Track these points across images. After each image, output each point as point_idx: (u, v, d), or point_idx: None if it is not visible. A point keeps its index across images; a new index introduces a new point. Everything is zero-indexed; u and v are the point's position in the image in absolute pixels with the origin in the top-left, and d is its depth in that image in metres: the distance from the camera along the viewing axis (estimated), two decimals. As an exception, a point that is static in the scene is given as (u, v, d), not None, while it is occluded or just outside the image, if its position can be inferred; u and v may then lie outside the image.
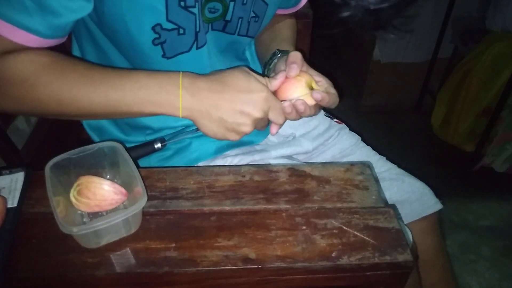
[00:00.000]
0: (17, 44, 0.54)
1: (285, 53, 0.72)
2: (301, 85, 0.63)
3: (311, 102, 0.64)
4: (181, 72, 0.58)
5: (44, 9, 0.52)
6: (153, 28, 0.60)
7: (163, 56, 0.64)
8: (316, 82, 0.66)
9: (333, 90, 0.66)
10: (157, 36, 0.61)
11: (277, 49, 0.74)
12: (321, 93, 0.63)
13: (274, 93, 0.64)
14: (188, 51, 0.65)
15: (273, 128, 0.65)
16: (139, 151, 0.68)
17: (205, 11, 0.65)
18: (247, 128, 0.59)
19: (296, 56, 0.64)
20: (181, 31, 0.62)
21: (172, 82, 0.57)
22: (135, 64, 0.67)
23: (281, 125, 0.64)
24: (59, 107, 0.57)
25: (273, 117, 0.61)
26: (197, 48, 0.66)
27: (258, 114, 0.59)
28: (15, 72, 0.54)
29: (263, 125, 0.62)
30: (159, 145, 0.68)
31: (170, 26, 0.61)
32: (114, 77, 0.57)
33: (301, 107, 0.62)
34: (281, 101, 0.63)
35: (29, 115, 0.61)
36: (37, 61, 0.55)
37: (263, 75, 0.73)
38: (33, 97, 0.56)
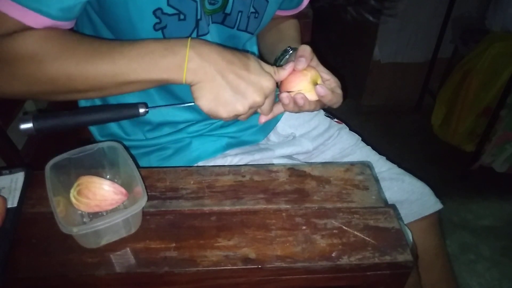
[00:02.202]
0: (25, 26, 0.54)
1: (296, 50, 0.73)
2: (306, 79, 0.63)
3: (313, 97, 0.63)
4: (189, 38, 0.57)
5: None
6: (154, 13, 0.59)
7: None
8: (324, 80, 0.66)
9: (339, 91, 0.66)
10: (157, 21, 0.61)
11: (289, 46, 0.74)
12: (324, 88, 0.62)
13: (280, 83, 0.64)
14: (188, 37, 0.65)
15: (262, 118, 0.65)
16: (120, 112, 0.61)
17: (205, 2, 0.65)
18: (242, 107, 0.57)
19: (305, 49, 0.64)
20: (182, 16, 0.62)
21: (180, 43, 0.56)
22: None
23: (269, 118, 0.64)
24: (68, 82, 0.56)
25: (264, 107, 0.61)
26: (198, 35, 0.66)
27: (259, 98, 0.57)
28: (23, 48, 0.54)
29: (251, 113, 0.61)
30: (143, 109, 0.60)
31: (170, 11, 0.60)
32: (122, 46, 0.56)
33: (300, 101, 0.62)
34: (283, 92, 0.63)
35: (39, 97, 0.60)
36: (43, 35, 0.55)
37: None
38: (43, 74, 0.55)
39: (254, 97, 0.57)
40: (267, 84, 0.58)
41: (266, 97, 0.59)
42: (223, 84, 0.56)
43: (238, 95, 0.57)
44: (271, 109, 0.62)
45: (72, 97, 0.62)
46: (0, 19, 0.53)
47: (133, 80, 0.57)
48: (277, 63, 0.75)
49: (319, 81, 0.65)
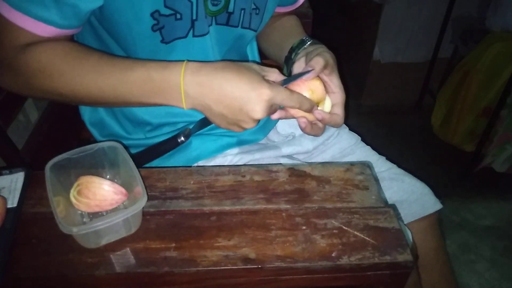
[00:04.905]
0: (36, 36, 0.58)
1: (315, 41, 0.73)
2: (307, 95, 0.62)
3: (311, 118, 0.64)
4: (183, 67, 0.58)
5: (59, 1, 0.56)
6: (152, 15, 0.61)
7: (162, 41, 0.65)
8: (330, 93, 0.66)
9: (339, 110, 0.66)
10: (155, 22, 0.62)
11: (305, 37, 0.75)
12: (322, 113, 0.63)
13: None
14: (185, 37, 0.66)
15: (275, 114, 0.63)
16: (163, 148, 0.70)
17: (208, 4, 0.65)
18: (248, 125, 0.60)
19: (318, 62, 0.63)
20: (178, 16, 0.63)
21: (174, 74, 0.58)
22: (135, 53, 0.67)
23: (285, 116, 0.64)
24: (74, 97, 0.62)
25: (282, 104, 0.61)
26: (194, 35, 0.67)
27: (248, 126, 0.60)
28: (36, 62, 0.59)
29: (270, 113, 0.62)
30: (182, 138, 0.68)
31: (167, 12, 0.62)
32: (122, 69, 0.59)
33: (301, 125, 0.64)
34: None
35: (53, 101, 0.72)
36: (54, 51, 0.59)
37: (286, 62, 0.75)
38: (52, 87, 0.60)
39: (252, 115, 0.59)
40: (260, 97, 0.57)
41: (264, 110, 0.58)
42: (220, 111, 0.59)
43: (238, 116, 0.59)
44: (290, 102, 0.62)
45: (80, 105, 0.69)
46: (13, 32, 0.58)
47: (134, 102, 0.61)
48: (293, 52, 0.74)
49: (325, 100, 0.65)
